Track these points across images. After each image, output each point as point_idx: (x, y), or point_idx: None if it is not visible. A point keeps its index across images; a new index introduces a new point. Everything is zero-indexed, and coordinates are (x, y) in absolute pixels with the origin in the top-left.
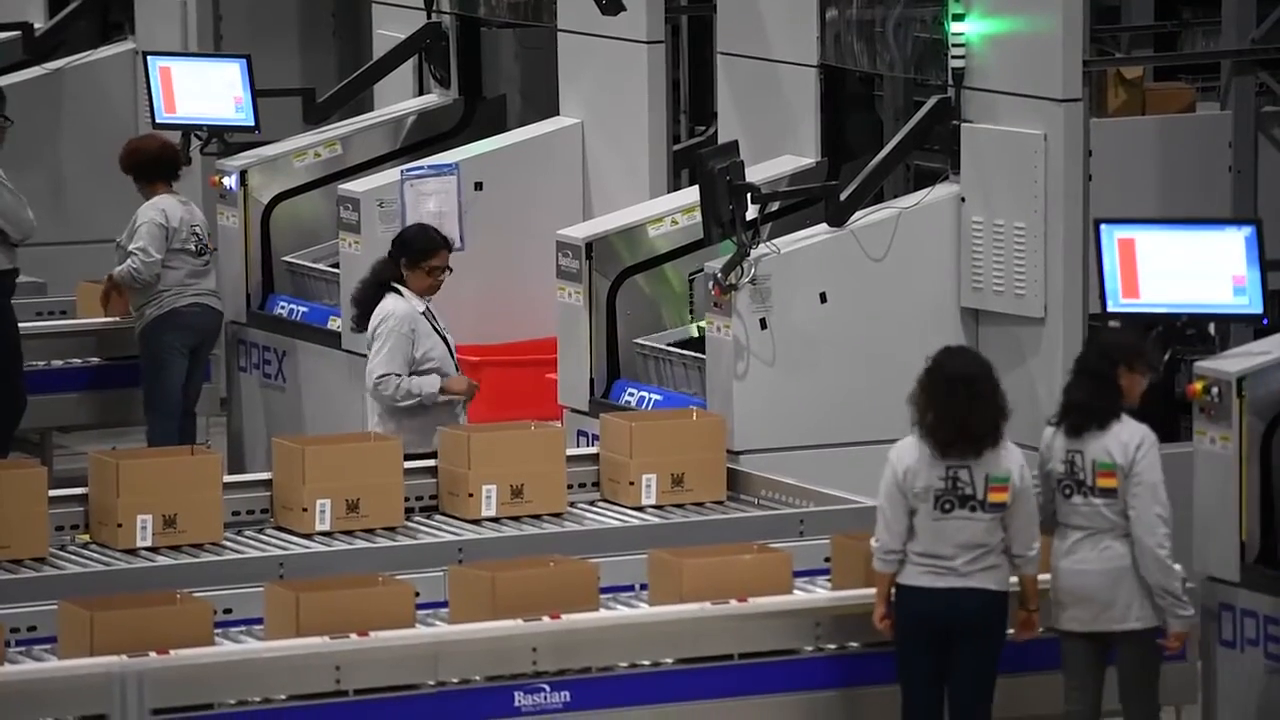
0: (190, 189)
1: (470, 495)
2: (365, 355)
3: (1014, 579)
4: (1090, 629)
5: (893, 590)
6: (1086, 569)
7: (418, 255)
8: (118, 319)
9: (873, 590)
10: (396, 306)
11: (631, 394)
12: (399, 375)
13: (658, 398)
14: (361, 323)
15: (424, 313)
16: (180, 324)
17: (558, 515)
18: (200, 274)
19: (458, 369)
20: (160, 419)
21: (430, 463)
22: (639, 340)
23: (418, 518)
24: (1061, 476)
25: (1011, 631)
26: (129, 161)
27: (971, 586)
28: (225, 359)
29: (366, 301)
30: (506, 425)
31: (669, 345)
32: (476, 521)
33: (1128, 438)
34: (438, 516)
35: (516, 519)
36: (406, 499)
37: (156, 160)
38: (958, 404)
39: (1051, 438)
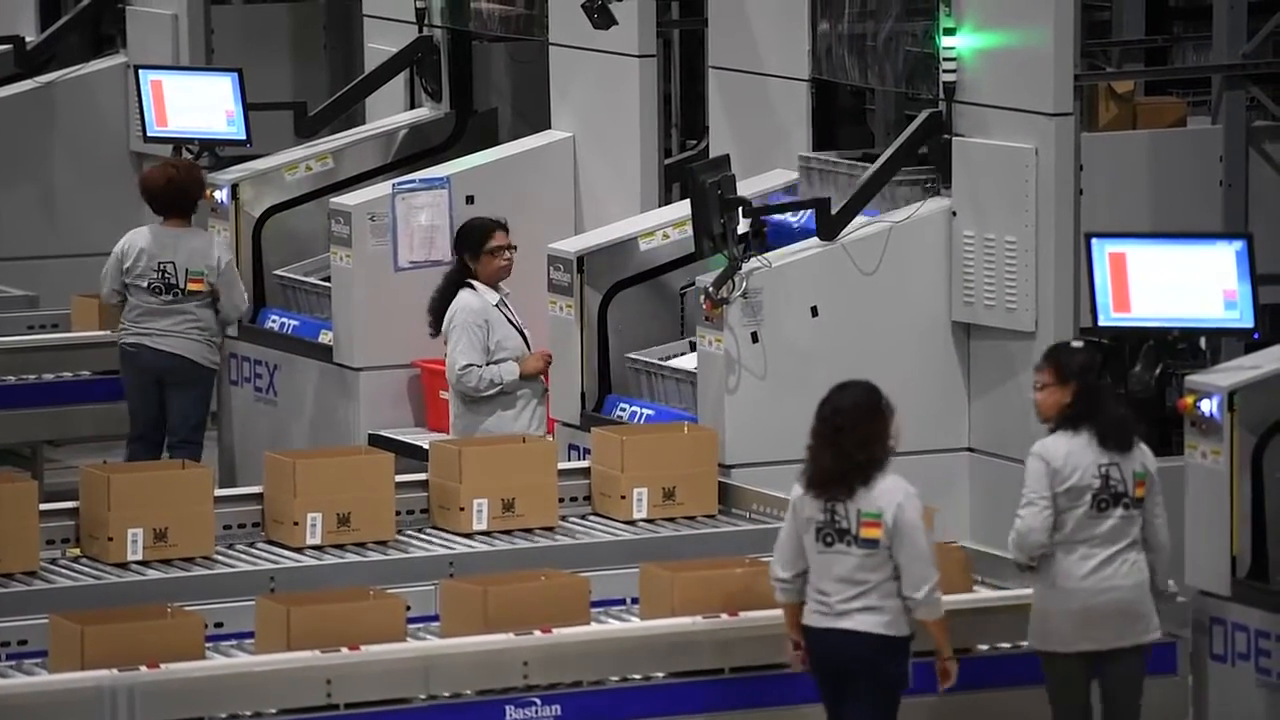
0: None
1: (461, 509)
2: (356, 370)
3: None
4: (1110, 646)
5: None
6: (1117, 584)
7: (478, 241)
8: (108, 333)
9: None
10: (469, 301)
11: (623, 409)
12: (479, 366)
13: (649, 412)
14: (436, 325)
15: (498, 305)
16: (124, 359)
17: (549, 529)
18: (156, 313)
19: None
20: (127, 443)
21: (421, 476)
22: (631, 355)
23: (409, 531)
24: (1097, 491)
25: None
26: (147, 191)
27: (847, 628)
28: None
29: (439, 309)
30: (498, 439)
31: (660, 360)
32: (468, 535)
33: (1146, 446)
34: (429, 530)
35: (508, 533)
36: (398, 512)
37: (167, 193)
38: (825, 442)
39: (1068, 454)
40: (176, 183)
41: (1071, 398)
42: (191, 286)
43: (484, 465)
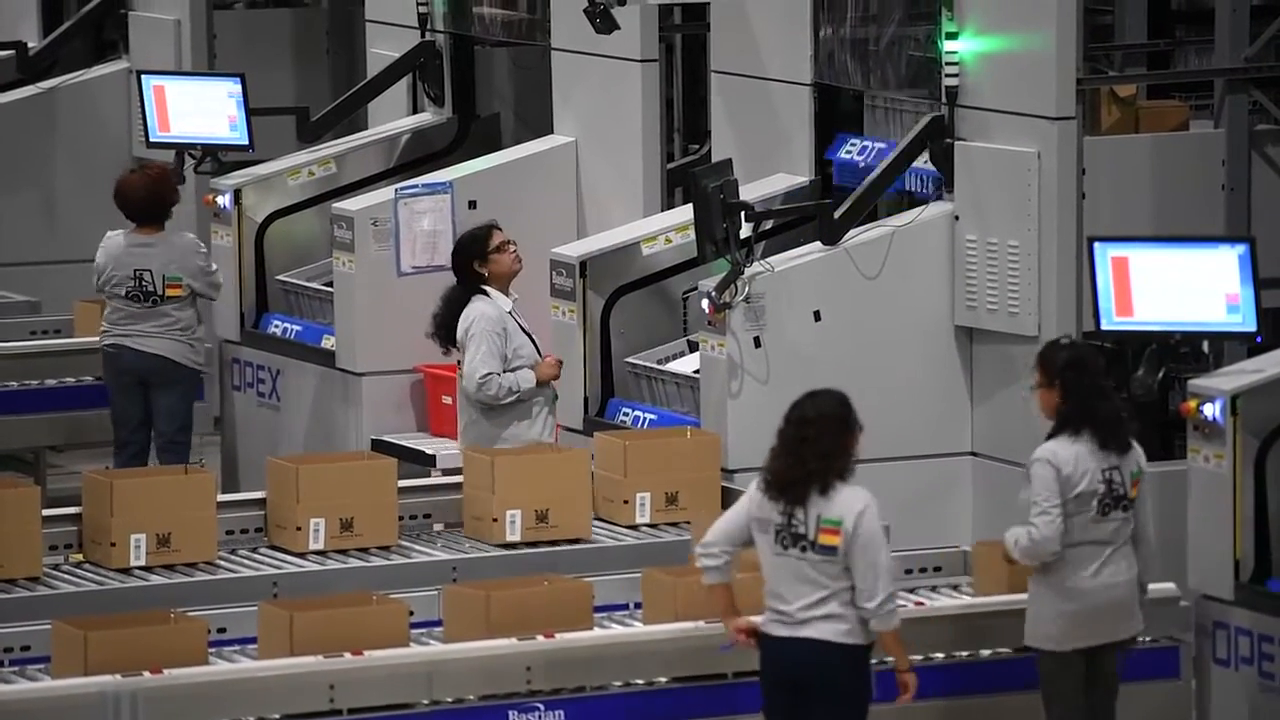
0: (184, 208)
1: (495, 520)
2: (359, 375)
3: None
4: (1106, 641)
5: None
6: (1118, 581)
7: (482, 246)
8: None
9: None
10: (485, 309)
11: (626, 414)
12: (498, 374)
13: (652, 417)
14: (447, 342)
15: (509, 312)
16: (106, 362)
17: (582, 540)
18: (136, 315)
19: None
20: (114, 453)
21: (424, 481)
22: (629, 359)
23: (409, 535)
24: (1102, 495)
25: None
26: (125, 199)
27: (807, 637)
28: (219, 378)
29: (447, 324)
30: (529, 449)
31: (659, 361)
32: (504, 546)
33: (1137, 444)
34: (430, 535)
35: (542, 544)
36: (400, 518)
37: (147, 202)
38: (786, 449)
39: (1076, 459)
40: (155, 192)
41: (1060, 396)
42: (169, 293)
43: (517, 476)
